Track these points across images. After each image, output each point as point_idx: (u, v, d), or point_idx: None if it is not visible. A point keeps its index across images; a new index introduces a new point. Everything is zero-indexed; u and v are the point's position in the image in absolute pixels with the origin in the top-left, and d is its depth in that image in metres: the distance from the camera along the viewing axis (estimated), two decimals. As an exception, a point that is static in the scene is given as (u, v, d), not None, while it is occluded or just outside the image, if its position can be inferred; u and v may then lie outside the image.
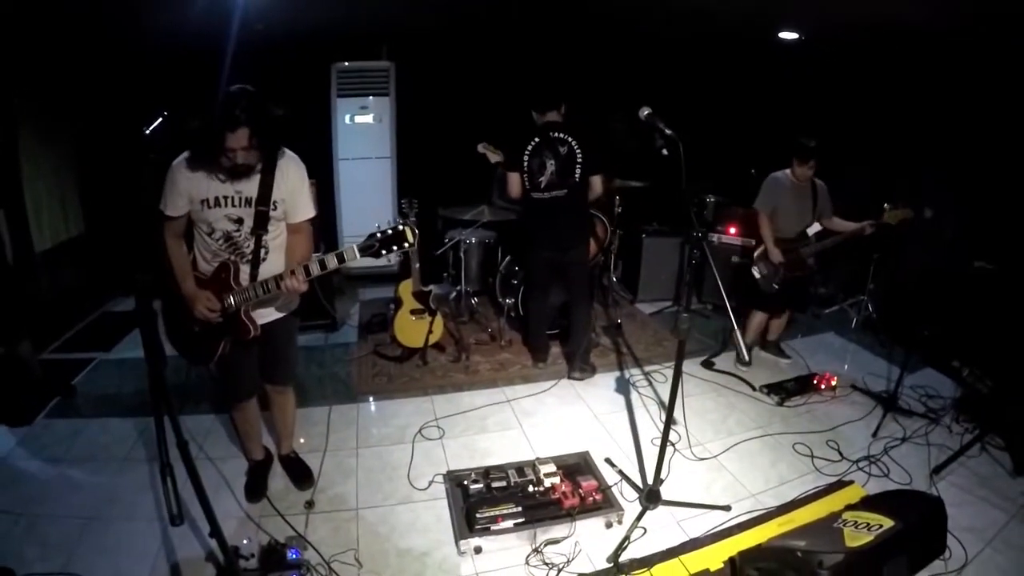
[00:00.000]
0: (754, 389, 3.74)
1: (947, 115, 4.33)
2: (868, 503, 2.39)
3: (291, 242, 2.32)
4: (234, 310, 2.20)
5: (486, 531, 2.36)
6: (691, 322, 2.34)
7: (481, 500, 2.51)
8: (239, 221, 2.18)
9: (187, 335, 2.29)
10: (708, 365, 4.05)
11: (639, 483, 2.82)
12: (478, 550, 2.34)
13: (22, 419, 3.19)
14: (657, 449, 2.57)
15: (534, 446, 3.13)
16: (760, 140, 5.01)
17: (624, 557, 2.34)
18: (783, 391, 3.63)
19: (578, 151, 3.42)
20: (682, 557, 2.36)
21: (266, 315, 2.35)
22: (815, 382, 3.70)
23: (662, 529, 2.52)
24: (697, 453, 3.08)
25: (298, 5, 3.70)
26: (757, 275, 3.84)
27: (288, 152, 2.22)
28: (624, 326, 4.64)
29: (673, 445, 3.06)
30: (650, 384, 3.83)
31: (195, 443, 2.96)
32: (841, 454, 3.06)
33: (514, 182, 3.53)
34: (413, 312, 3.98)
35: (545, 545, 2.38)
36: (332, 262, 2.08)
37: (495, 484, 2.60)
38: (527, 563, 2.32)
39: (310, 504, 2.62)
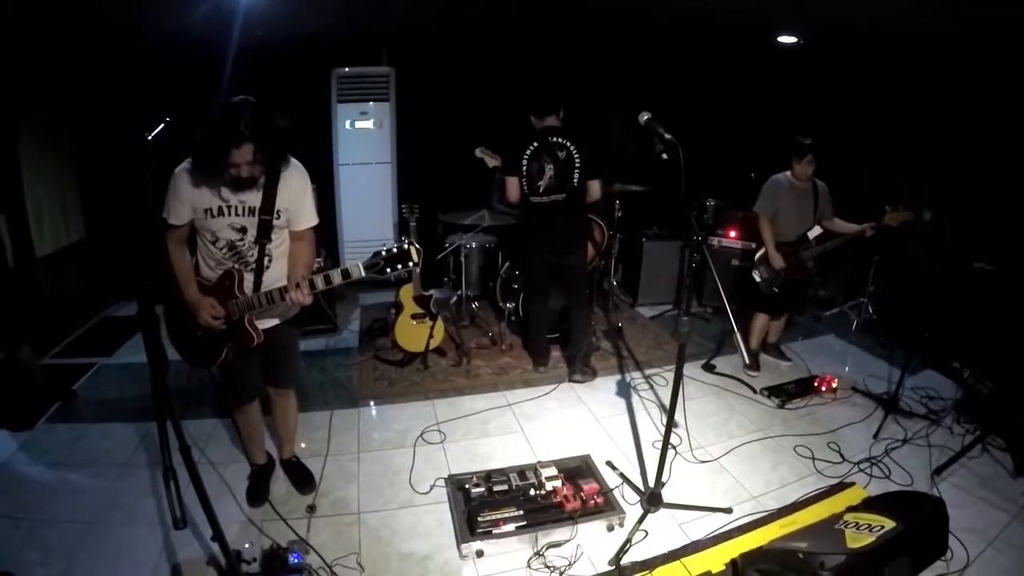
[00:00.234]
0: (755, 392, 3.74)
1: (947, 116, 4.34)
2: (869, 504, 2.40)
3: (294, 250, 2.32)
4: (238, 317, 2.21)
5: (488, 535, 2.36)
6: (691, 325, 2.35)
7: (483, 504, 2.50)
8: (243, 230, 2.18)
9: (190, 339, 2.29)
10: (709, 368, 4.05)
11: (640, 486, 2.82)
12: (480, 554, 2.34)
13: (23, 423, 3.19)
14: (658, 452, 2.57)
15: (535, 449, 3.13)
16: (760, 143, 5.03)
17: (626, 560, 2.34)
18: (784, 394, 3.63)
19: (576, 156, 3.44)
20: (684, 559, 2.36)
21: (268, 321, 2.36)
22: (816, 384, 3.70)
23: (664, 532, 2.52)
24: (698, 456, 3.08)
25: (298, 11, 3.72)
26: (758, 278, 3.84)
27: (292, 161, 2.21)
28: (625, 330, 4.64)
29: (674, 448, 3.06)
30: (651, 387, 3.83)
31: (196, 448, 2.97)
32: (842, 456, 3.06)
33: (512, 186, 3.55)
34: (414, 316, 3.99)
35: (547, 548, 2.38)
36: (337, 278, 2.09)
37: (497, 488, 2.60)
38: (529, 566, 2.31)
39: (312, 508, 2.62)
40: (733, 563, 2.31)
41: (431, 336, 3.96)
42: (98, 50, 4.23)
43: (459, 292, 4.67)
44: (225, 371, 2.40)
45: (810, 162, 3.61)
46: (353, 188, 5.43)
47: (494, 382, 3.87)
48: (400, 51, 5.22)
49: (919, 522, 2.21)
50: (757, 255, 3.88)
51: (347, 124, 5.29)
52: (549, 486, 2.61)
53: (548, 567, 2.30)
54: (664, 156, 2.36)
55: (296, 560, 2.20)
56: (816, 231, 3.73)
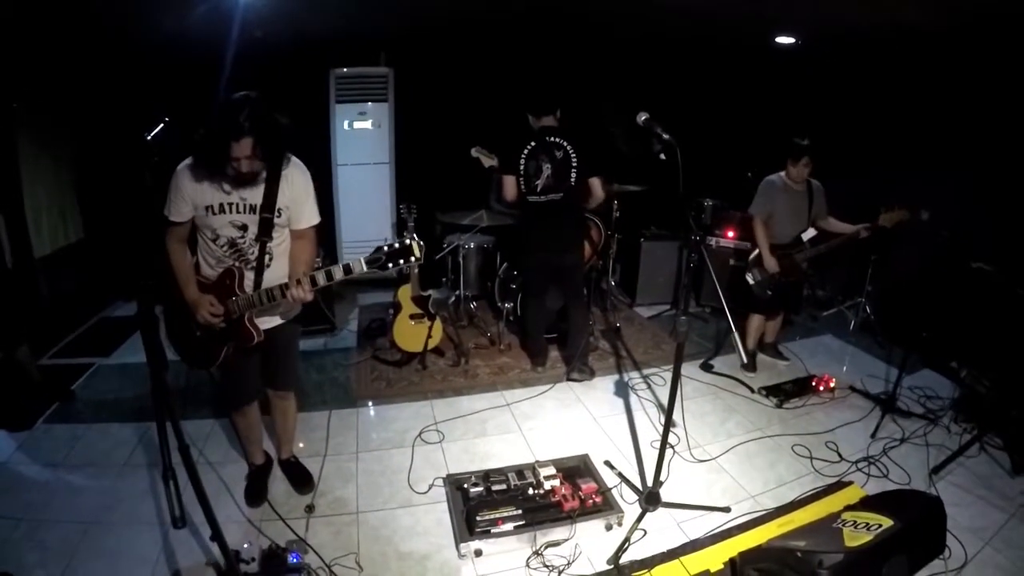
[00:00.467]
0: (753, 391, 3.75)
1: (946, 116, 4.35)
2: (867, 503, 2.40)
3: (295, 248, 2.32)
4: (238, 315, 2.21)
5: (486, 534, 2.37)
6: (689, 325, 2.35)
7: (481, 503, 2.51)
8: (244, 228, 2.18)
9: (189, 339, 2.29)
10: (707, 368, 4.06)
11: (639, 485, 2.82)
12: (478, 553, 2.35)
13: (22, 424, 3.19)
14: (656, 451, 2.58)
15: (534, 449, 3.14)
16: (758, 143, 5.03)
17: (624, 559, 2.34)
18: (782, 393, 3.64)
19: (573, 155, 3.44)
20: (682, 558, 2.37)
21: (269, 321, 2.36)
22: (814, 384, 3.71)
23: (662, 531, 2.52)
24: (696, 455, 3.08)
25: (297, 12, 3.72)
26: (751, 281, 3.85)
27: (294, 159, 2.22)
28: (623, 330, 4.65)
29: (672, 447, 3.07)
30: (649, 387, 3.83)
31: (195, 448, 2.95)
32: (840, 455, 3.07)
33: (509, 185, 3.55)
34: (412, 317, 3.99)
35: (545, 547, 2.38)
36: (338, 274, 2.08)
37: (495, 487, 2.61)
38: (527, 566, 2.32)
39: (310, 508, 2.62)
40: (731, 562, 2.32)
41: (429, 336, 3.97)
42: (97, 50, 4.23)
43: (457, 292, 4.68)
44: (225, 372, 2.40)
45: (806, 164, 3.62)
46: (351, 188, 5.43)
47: (492, 382, 3.87)
48: (398, 52, 5.22)
49: (917, 521, 2.21)
50: (751, 257, 3.89)
51: (345, 124, 5.29)
52: (547, 485, 2.61)
53: (547, 566, 2.31)
54: (662, 156, 2.36)
55: (295, 560, 2.20)
56: (810, 233, 3.73)
